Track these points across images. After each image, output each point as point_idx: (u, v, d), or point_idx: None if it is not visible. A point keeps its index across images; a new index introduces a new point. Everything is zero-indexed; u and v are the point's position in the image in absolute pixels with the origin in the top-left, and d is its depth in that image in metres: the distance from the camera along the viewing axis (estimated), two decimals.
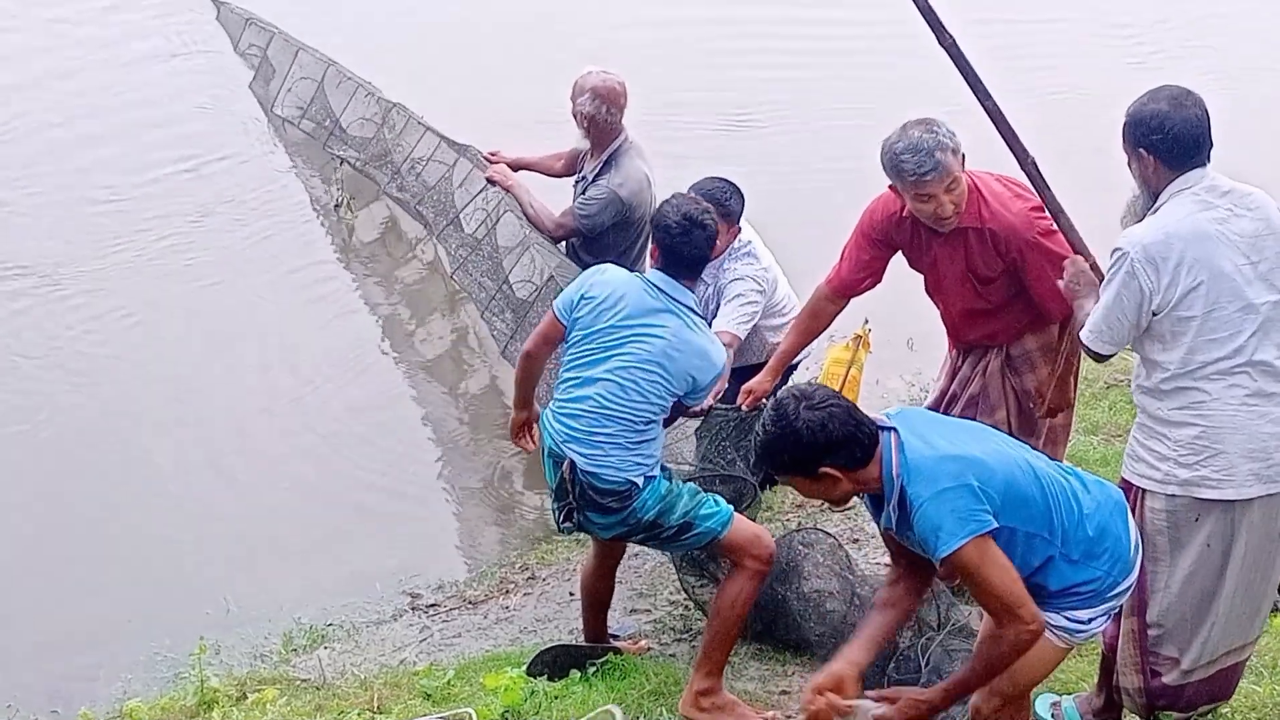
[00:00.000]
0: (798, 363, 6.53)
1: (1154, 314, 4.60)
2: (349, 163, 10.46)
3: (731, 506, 5.38)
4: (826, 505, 5.52)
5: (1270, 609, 4.93)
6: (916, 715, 4.21)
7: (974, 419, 5.61)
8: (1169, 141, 4.62)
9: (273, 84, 11.50)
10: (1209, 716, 5.02)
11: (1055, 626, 4.22)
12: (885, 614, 4.38)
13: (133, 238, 9.97)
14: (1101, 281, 4.78)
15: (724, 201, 6.30)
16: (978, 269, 5.58)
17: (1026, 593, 4.08)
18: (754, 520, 5.76)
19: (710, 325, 5.85)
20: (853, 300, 5.96)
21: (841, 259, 5.84)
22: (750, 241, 6.57)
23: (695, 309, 5.37)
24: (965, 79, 5.09)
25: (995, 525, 4.04)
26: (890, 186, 5.54)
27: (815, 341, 6.28)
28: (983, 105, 5.07)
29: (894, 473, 4.07)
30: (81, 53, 12.23)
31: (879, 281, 5.83)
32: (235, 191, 10.71)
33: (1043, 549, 4.18)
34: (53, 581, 6.92)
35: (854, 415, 4.09)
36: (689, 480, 5.67)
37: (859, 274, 5.78)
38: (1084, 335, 4.77)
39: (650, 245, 5.48)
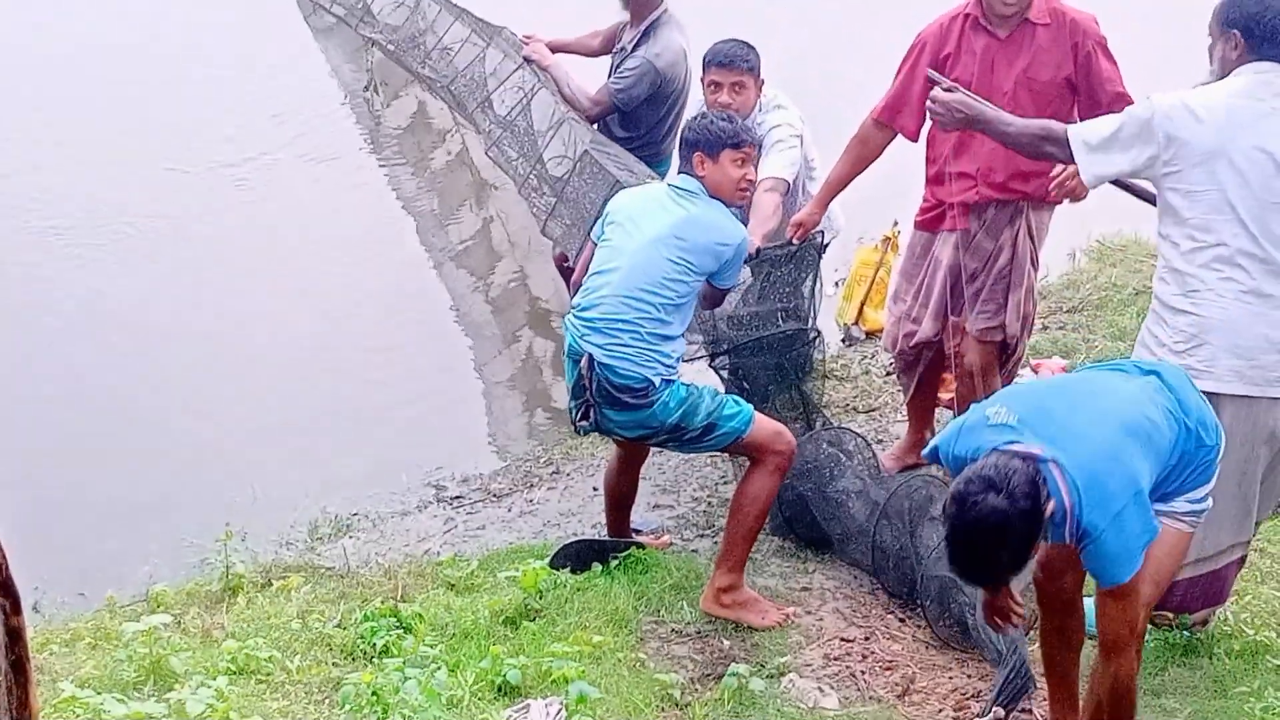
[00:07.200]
0: (827, 243, 6.42)
1: (1165, 173, 4.56)
2: (380, 46, 10.32)
3: (751, 406, 5.36)
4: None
5: (1266, 511, 4.90)
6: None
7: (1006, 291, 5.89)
8: (1262, 27, 4.56)
9: None
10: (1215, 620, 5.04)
11: (1181, 514, 4.19)
12: None
13: (166, 136, 9.95)
14: None
15: (746, 57, 6.24)
16: (1041, 71, 5.66)
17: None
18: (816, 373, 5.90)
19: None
20: (882, 216, 5.88)
21: (889, 89, 5.90)
22: (776, 95, 6.48)
23: (717, 198, 5.36)
24: None
25: (1160, 524, 4.05)
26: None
27: (846, 230, 6.13)
28: None
29: (1066, 504, 3.91)
30: None
31: (922, 118, 5.74)
32: (267, 79, 10.64)
33: (1185, 445, 4.14)
34: (81, 467, 6.95)
35: (1032, 478, 3.83)
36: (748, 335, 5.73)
37: (902, 98, 5.82)
38: (1072, 130, 4.73)
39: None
